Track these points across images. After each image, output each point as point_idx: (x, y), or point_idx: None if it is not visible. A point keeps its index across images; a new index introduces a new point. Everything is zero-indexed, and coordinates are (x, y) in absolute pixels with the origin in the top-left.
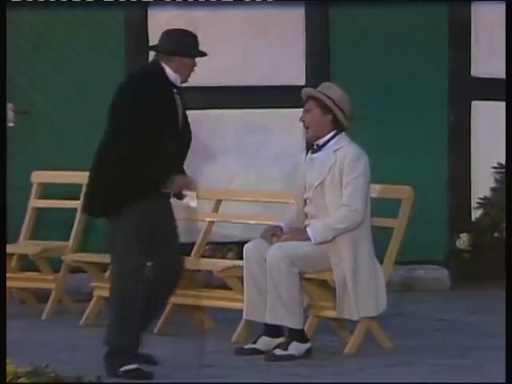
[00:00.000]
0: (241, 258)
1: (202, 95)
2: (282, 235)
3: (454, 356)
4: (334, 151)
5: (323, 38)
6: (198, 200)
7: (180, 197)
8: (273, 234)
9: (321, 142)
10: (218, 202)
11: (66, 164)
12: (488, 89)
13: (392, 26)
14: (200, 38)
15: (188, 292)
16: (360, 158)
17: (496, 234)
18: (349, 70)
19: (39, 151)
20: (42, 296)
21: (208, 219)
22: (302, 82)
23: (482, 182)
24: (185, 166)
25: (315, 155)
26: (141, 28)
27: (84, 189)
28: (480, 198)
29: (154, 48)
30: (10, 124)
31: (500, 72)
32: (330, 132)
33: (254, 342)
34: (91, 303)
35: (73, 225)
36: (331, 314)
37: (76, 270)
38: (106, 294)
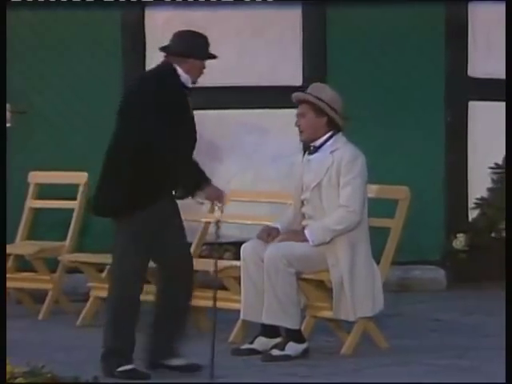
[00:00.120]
0: (238, 258)
1: (199, 95)
2: (277, 236)
3: (451, 356)
4: (331, 152)
5: (320, 38)
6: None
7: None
8: (268, 234)
9: (317, 143)
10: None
11: (63, 164)
12: (485, 89)
13: (389, 26)
14: None
15: None
16: (357, 159)
17: (493, 235)
18: (346, 70)
19: (36, 151)
20: (38, 296)
21: (205, 220)
22: (299, 82)
23: (479, 183)
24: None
25: (312, 156)
26: (138, 28)
27: (81, 188)
28: (477, 199)
29: (165, 49)
30: (7, 124)
31: (497, 72)
32: (325, 133)
33: (251, 343)
34: (88, 303)
35: (69, 225)
36: (328, 314)
37: (73, 270)
38: (102, 294)
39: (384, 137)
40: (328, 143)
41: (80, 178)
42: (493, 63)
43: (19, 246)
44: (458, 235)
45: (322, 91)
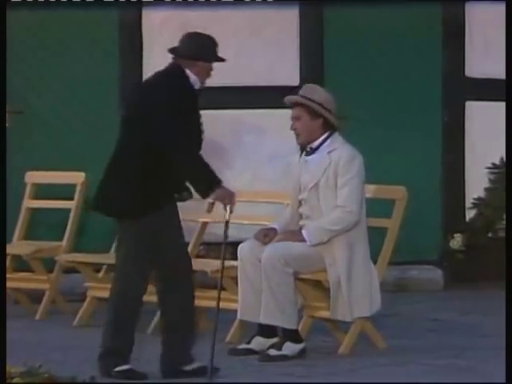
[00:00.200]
0: (235, 258)
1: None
2: (274, 236)
3: (449, 356)
4: (328, 153)
5: (317, 38)
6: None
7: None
8: (265, 234)
9: (314, 145)
10: (213, 202)
11: (60, 164)
12: (482, 89)
13: (386, 26)
14: None
15: None
16: (354, 159)
17: (490, 235)
18: (343, 70)
19: (33, 151)
20: (35, 296)
21: (202, 220)
22: (297, 83)
23: (476, 183)
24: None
25: (309, 157)
26: (135, 28)
27: (78, 188)
28: (474, 199)
29: (174, 51)
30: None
31: (494, 72)
32: (322, 135)
33: (248, 343)
34: (85, 303)
35: (66, 225)
36: (325, 314)
37: (70, 270)
38: (99, 294)
39: (381, 137)
40: (325, 144)
41: (77, 177)
42: (490, 63)
43: (16, 246)
44: (455, 235)
45: (314, 92)
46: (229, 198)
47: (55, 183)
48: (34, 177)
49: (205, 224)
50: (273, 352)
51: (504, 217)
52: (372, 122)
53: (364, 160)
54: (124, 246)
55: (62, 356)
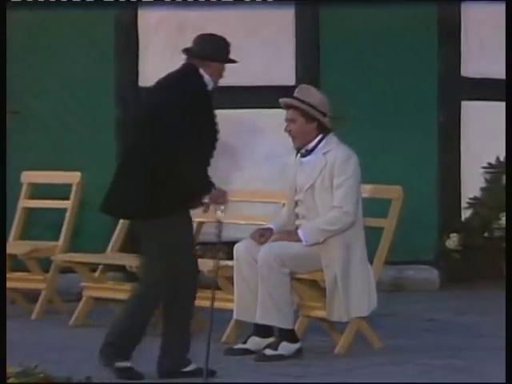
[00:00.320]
0: (231, 258)
1: None
2: (270, 236)
3: (445, 356)
4: (324, 154)
5: (313, 38)
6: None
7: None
8: (261, 234)
9: (309, 146)
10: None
11: (57, 164)
12: (478, 89)
13: (382, 26)
14: (190, 39)
15: None
16: (350, 160)
17: (486, 234)
18: (339, 69)
19: (30, 151)
20: (31, 296)
21: (198, 220)
22: (293, 82)
23: (472, 182)
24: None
25: (305, 159)
26: (131, 28)
27: (74, 188)
28: (470, 198)
29: (188, 52)
30: None
31: (490, 72)
32: (317, 136)
33: (244, 342)
34: (81, 303)
35: (62, 225)
36: (321, 314)
37: (66, 270)
38: (95, 294)
39: (377, 136)
40: (320, 145)
41: (73, 177)
42: (486, 63)
43: (12, 246)
44: (451, 235)
45: (309, 95)
46: (222, 198)
47: (51, 183)
48: (30, 176)
49: (201, 224)
50: (269, 352)
51: (500, 216)
52: (368, 121)
53: (360, 160)
54: (148, 251)
55: (57, 356)
